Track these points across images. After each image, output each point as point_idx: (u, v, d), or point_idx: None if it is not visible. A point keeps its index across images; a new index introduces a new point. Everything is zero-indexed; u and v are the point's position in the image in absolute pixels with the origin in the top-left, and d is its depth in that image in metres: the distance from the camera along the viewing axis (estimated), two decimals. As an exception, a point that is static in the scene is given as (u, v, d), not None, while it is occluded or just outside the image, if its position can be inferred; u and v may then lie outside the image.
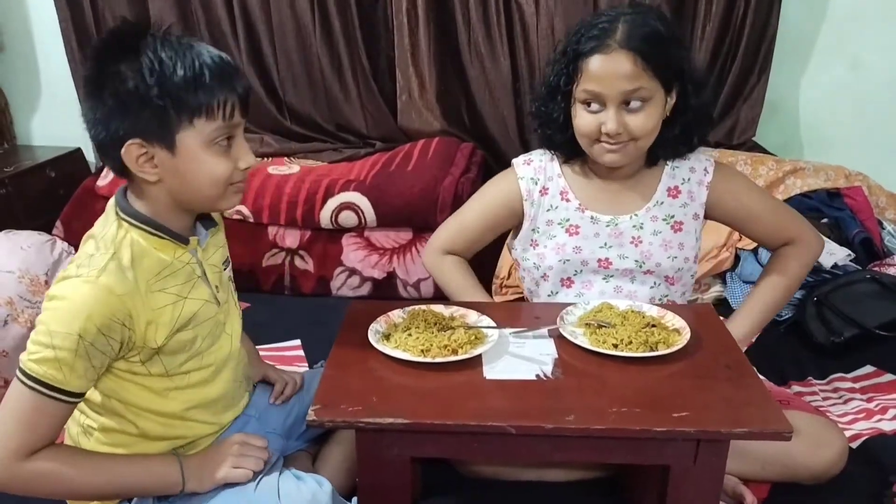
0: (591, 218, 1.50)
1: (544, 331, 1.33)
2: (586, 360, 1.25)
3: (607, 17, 1.37)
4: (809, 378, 1.87)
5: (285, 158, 2.74)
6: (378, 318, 1.35)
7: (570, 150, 1.50)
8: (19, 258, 1.91)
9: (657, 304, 1.42)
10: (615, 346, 1.25)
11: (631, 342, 1.25)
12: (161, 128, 1.10)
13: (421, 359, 1.22)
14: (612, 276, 1.51)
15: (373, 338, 1.28)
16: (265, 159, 2.72)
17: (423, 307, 1.39)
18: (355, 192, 2.41)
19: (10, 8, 2.90)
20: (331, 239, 2.47)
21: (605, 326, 1.31)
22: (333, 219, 2.41)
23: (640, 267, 1.49)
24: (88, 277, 1.08)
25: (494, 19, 2.62)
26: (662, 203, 1.50)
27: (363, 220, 2.41)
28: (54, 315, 1.07)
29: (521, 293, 2.40)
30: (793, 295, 1.58)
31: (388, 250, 2.45)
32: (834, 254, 2.15)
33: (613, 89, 1.34)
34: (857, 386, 1.81)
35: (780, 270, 1.55)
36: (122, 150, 1.10)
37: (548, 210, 1.52)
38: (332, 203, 2.41)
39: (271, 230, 2.50)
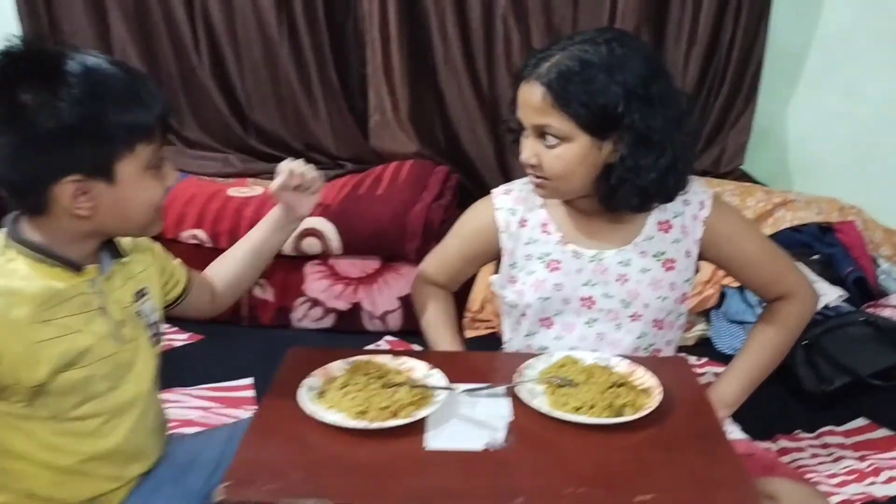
0: (574, 252, 1.37)
1: (501, 389, 1.19)
2: (544, 426, 1.10)
3: (558, 44, 1.26)
4: (798, 431, 1.73)
5: (248, 179, 2.59)
6: (315, 371, 1.20)
7: None
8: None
9: (628, 357, 1.27)
10: (577, 409, 1.11)
11: (594, 406, 1.11)
12: (100, 159, 1.01)
13: (355, 423, 1.08)
14: (595, 320, 1.37)
15: (304, 396, 1.13)
16: (228, 179, 2.58)
17: (367, 358, 1.24)
18: (319, 218, 2.27)
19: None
20: (293, 267, 2.32)
21: (566, 385, 1.17)
22: (295, 245, 2.27)
23: (627, 307, 1.35)
24: None
25: (474, 35, 2.50)
26: (652, 238, 1.36)
27: (328, 248, 2.27)
28: None
29: (494, 328, 2.28)
30: (784, 356, 1.44)
31: (354, 280, 2.31)
32: (825, 294, 2.01)
33: (526, 119, 1.27)
34: (848, 441, 1.68)
35: (774, 329, 1.41)
36: (56, 189, 1.00)
37: (527, 243, 1.39)
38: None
39: (230, 256, 2.35)
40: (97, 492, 1.13)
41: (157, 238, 2.29)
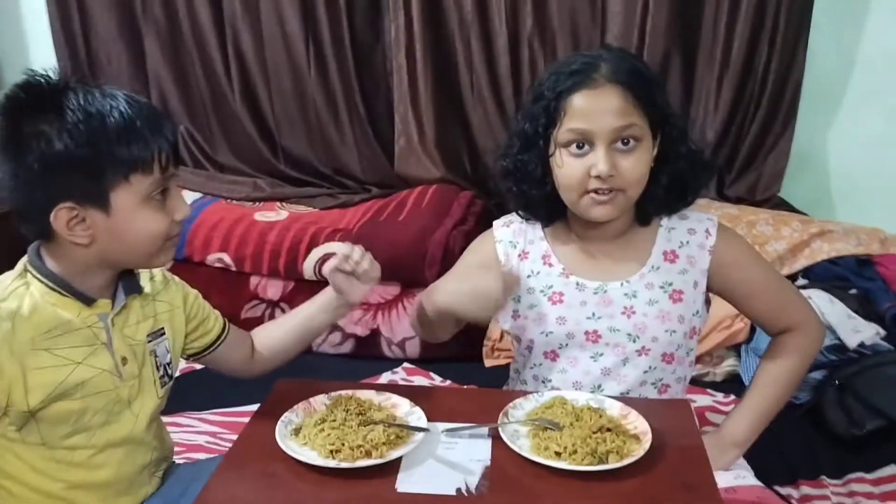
0: (577, 284, 1.32)
1: (484, 429, 1.14)
2: (522, 470, 1.05)
3: (585, 56, 1.25)
4: (822, 477, 1.63)
5: (277, 204, 2.62)
6: (296, 406, 1.18)
7: (548, 208, 1.33)
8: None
9: (626, 399, 1.21)
10: (558, 454, 1.06)
11: (576, 451, 1.06)
12: (94, 188, 1.02)
13: (325, 462, 1.05)
14: (601, 355, 1.31)
15: (281, 431, 1.11)
16: (254, 204, 2.60)
17: (351, 393, 1.22)
18: (340, 243, 2.27)
19: (11, 45, 2.89)
20: (314, 291, 2.28)
21: (550, 428, 1.11)
22: (317, 270, 2.27)
23: (634, 342, 1.30)
24: None
25: (500, 61, 2.48)
26: (658, 269, 1.30)
27: (347, 273, 2.26)
28: None
29: (512, 357, 2.23)
30: (794, 392, 1.36)
31: (373, 306, 2.30)
32: (860, 331, 1.90)
33: (603, 126, 1.19)
34: (877, 490, 1.57)
35: (781, 363, 1.34)
36: (52, 216, 1.02)
37: (528, 276, 1.35)
38: (316, 254, 2.28)
39: (253, 280, 2.37)
40: None
41: (185, 261, 2.38)
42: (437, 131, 2.55)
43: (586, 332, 1.31)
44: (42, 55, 2.79)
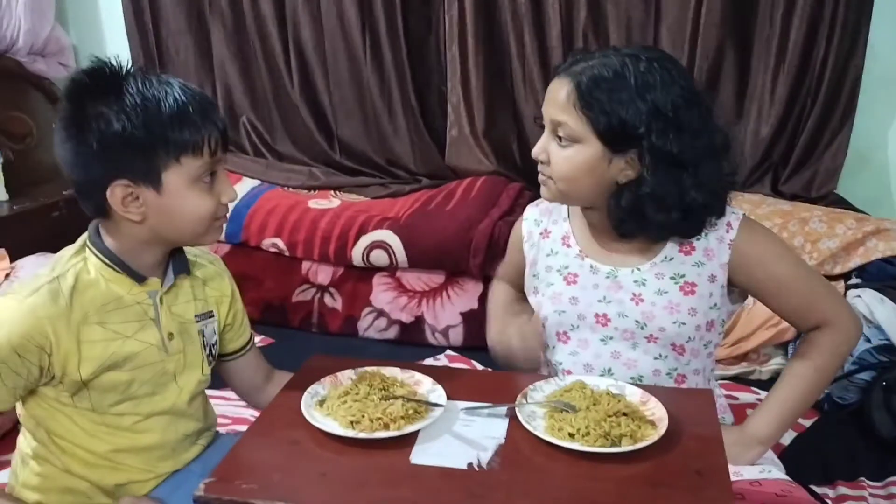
0: (591, 267, 1.34)
1: (502, 409, 1.17)
2: (535, 450, 1.08)
3: (603, 51, 1.25)
4: (862, 479, 1.60)
5: (330, 192, 2.69)
6: (323, 379, 1.23)
7: None
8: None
9: (648, 387, 1.22)
10: (571, 435, 1.08)
11: (588, 433, 1.07)
12: (147, 167, 1.09)
13: (344, 432, 1.09)
14: (611, 339, 1.33)
15: (306, 402, 1.16)
16: (310, 192, 2.68)
17: (376, 369, 1.26)
18: (388, 231, 2.32)
19: (87, 36, 3.05)
20: (362, 278, 2.39)
21: (566, 411, 1.13)
22: (365, 257, 2.33)
23: (642, 329, 1.31)
24: (18, 296, 1.08)
25: (552, 53, 2.48)
26: (672, 259, 1.30)
27: (394, 260, 2.32)
28: None
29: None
30: (823, 391, 1.33)
31: (419, 293, 2.34)
32: (912, 332, 1.84)
33: (547, 113, 1.26)
34: (918, 495, 1.53)
35: (809, 360, 1.31)
36: (108, 192, 1.09)
37: (548, 255, 1.39)
38: (365, 241, 2.34)
39: (305, 265, 2.45)
40: (126, 480, 1.20)
41: (241, 245, 2.47)
42: (488, 122, 2.57)
43: (596, 315, 1.33)
44: (116, 46, 2.93)
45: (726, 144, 1.28)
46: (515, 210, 2.43)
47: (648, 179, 1.21)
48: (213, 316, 1.28)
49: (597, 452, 1.04)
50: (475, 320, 2.25)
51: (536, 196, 1.33)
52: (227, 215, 1.22)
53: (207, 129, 1.10)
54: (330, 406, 1.15)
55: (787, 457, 1.51)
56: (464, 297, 2.28)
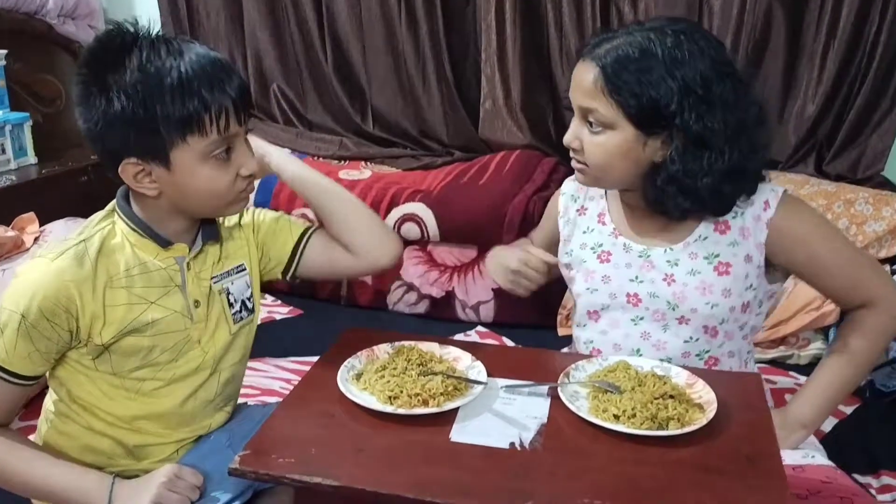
0: (624, 245, 1.31)
1: (544, 388, 1.14)
2: (579, 431, 1.04)
3: (626, 27, 1.21)
4: (906, 469, 1.54)
5: (361, 163, 2.65)
6: (359, 352, 1.21)
7: None
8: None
9: (693, 369, 1.18)
10: (616, 417, 1.05)
11: (634, 415, 1.04)
12: (154, 146, 1.06)
13: (382, 407, 1.07)
14: (641, 319, 1.30)
15: (342, 376, 1.14)
16: (341, 162, 2.64)
17: (413, 344, 1.23)
18: (420, 204, 2.28)
19: (117, 0, 3.02)
20: (392, 250, 2.35)
21: (610, 391, 1.10)
22: (396, 229, 2.30)
23: (674, 310, 1.26)
24: (46, 258, 1.07)
25: (589, 24, 2.40)
26: (706, 239, 1.26)
27: (426, 234, 2.28)
28: (8, 292, 1.08)
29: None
30: (868, 373, 1.29)
31: (450, 268, 2.31)
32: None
33: (575, 100, 1.22)
34: (966, 487, 1.48)
35: (853, 341, 1.27)
36: (119, 169, 1.07)
37: (584, 232, 1.36)
38: (396, 213, 2.30)
39: (335, 236, 2.42)
40: (144, 442, 1.20)
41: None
42: (523, 95, 2.50)
43: (628, 295, 1.30)
44: (146, 9, 2.89)
45: (762, 118, 1.23)
46: (550, 185, 2.38)
47: (679, 157, 1.17)
48: (241, 270, 1.24)
49: (643, 435, 1.01)
50: (506, 296, 2.20)
51: (571, 171, 1.29)
52: (254, 185, 1.18)
53: (214, 103, 1.04)
54: (367, 380, 1.13)
55: (828, 443, 1.46)
56: (496, 272, 2.24)
